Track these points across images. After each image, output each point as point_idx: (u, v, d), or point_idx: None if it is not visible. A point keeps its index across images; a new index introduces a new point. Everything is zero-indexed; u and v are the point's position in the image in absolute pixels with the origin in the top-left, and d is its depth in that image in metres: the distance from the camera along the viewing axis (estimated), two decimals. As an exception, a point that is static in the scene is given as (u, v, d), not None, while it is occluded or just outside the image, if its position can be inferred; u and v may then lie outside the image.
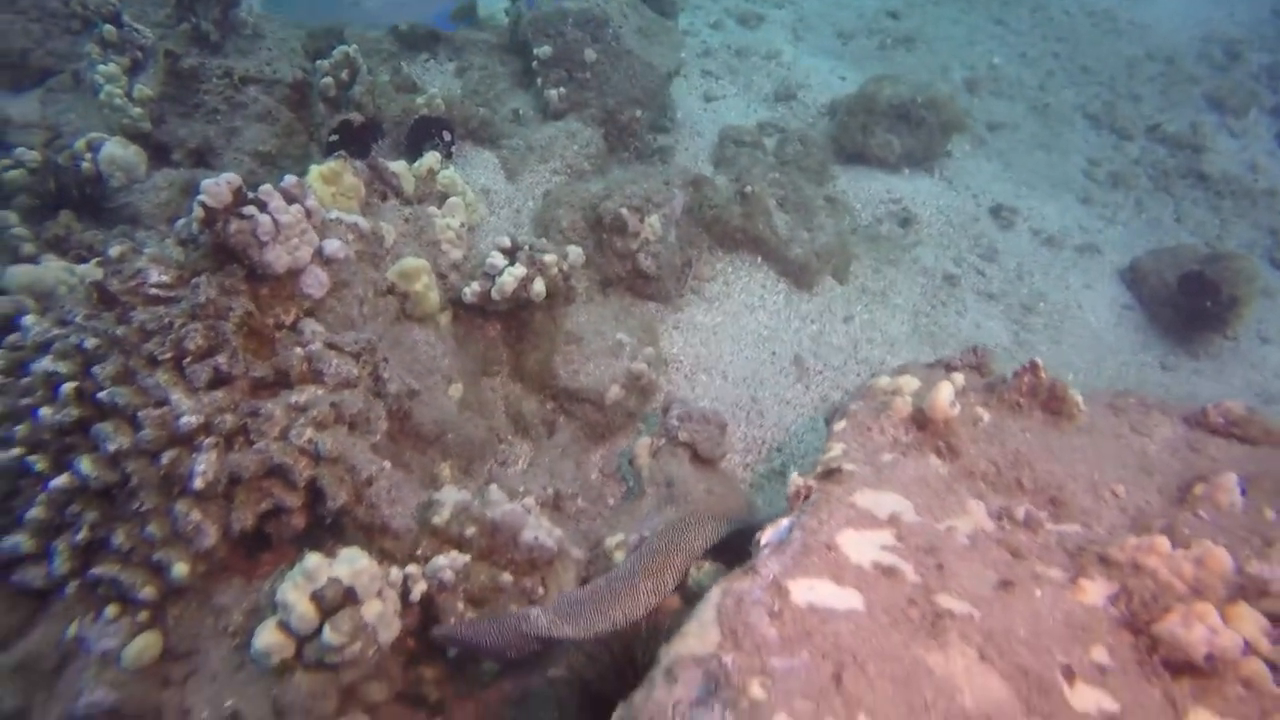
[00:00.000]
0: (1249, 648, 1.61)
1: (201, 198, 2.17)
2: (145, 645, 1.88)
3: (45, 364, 1.91)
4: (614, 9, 4.46)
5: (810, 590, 1.59)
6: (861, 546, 1.79)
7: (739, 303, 4.07)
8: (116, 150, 3.45)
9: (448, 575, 2.15)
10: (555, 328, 3.09)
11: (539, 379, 3.09)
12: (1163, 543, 1.88)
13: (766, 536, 1.91)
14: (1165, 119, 6.30)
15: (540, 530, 2.54)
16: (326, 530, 2.18)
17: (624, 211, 3.45)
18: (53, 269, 2.68)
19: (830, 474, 2.12)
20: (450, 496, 2.49)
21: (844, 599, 1.60)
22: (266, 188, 2.29)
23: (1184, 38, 7.37)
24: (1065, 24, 7.32)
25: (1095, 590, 1.87)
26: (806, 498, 2.04)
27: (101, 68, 3.55)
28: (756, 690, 1.34)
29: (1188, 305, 4.68)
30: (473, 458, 2.87)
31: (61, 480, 1.82)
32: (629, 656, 1.97)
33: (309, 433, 2.02)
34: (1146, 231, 5.55)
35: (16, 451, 1.87)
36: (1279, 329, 5.14)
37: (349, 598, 1.84)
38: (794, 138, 4.98)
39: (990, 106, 6.33)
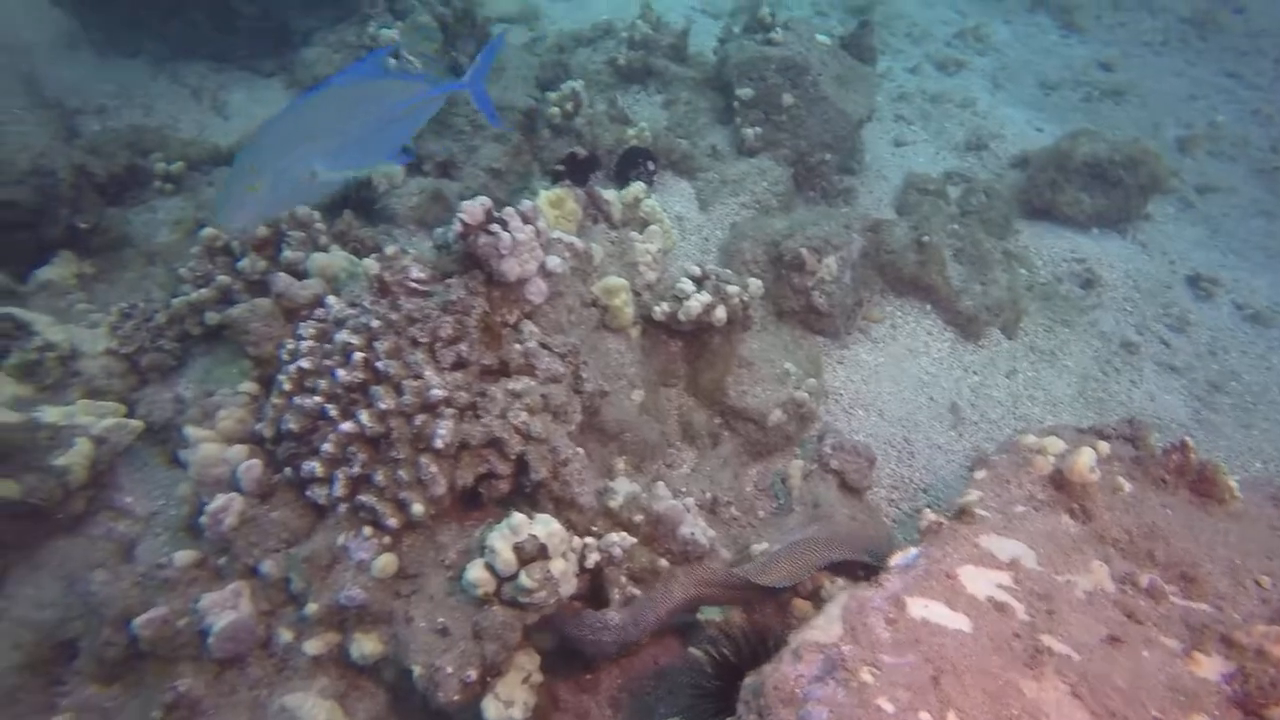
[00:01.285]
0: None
1: (461, 215, 2.73)
2: (387, 562, 2.42)
3: (344, 336, 2.51)
4: (815, 57, 4.77)
5: (925, 608, 1.86)
6: (979, 581, 2.03)
7: (903, 346, 4.26)
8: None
9: (617, 551, 2.56)
10: (731, 351, 3.46)
11: (710, 395, 3.47)
12: (1298, 634, 1.97)
13: (895, 560, 2.18)
14: None
15: (696, 528, 2.91)
16: (524, 497, 2.67)
17: (804, 251, 3.76)
18: (339, 258, 3.36)
19: (961, 515, 2.35)
20: (623, 486, 2.93)
21: (954, 621, 1.85)
22: (509, 209, 2.82)
23: None
24: (1310, 83, 6.79)
25: (1210, 665, 2.00)
26: (935, 533, 2.28)
27: (383, 94, 4.32)
28: (866, 676, 1.64)
29: (1407, 404, 4.32)
30: (644, 457, 3.29)
31: (348, 426, 2.41)
32: (761, 639, 2.30)
33: (523, 415, 2.51)
34: (1373, 318, 5.11)
35: (318, 399, 2.48)
36: None
37: (541, 553, 2.30)
38: (979, 189, 5.06)
39: (1204, 168, 6.03)
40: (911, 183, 5.03)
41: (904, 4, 7.03)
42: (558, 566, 2.32)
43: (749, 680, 1.83)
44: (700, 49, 5.65)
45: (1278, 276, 5.40)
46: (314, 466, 2.47)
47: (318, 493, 2.50)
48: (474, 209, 2.73)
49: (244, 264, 3.24)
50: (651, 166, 4.33)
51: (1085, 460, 2.45)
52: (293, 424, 2.52)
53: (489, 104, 2.47)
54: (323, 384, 2.51)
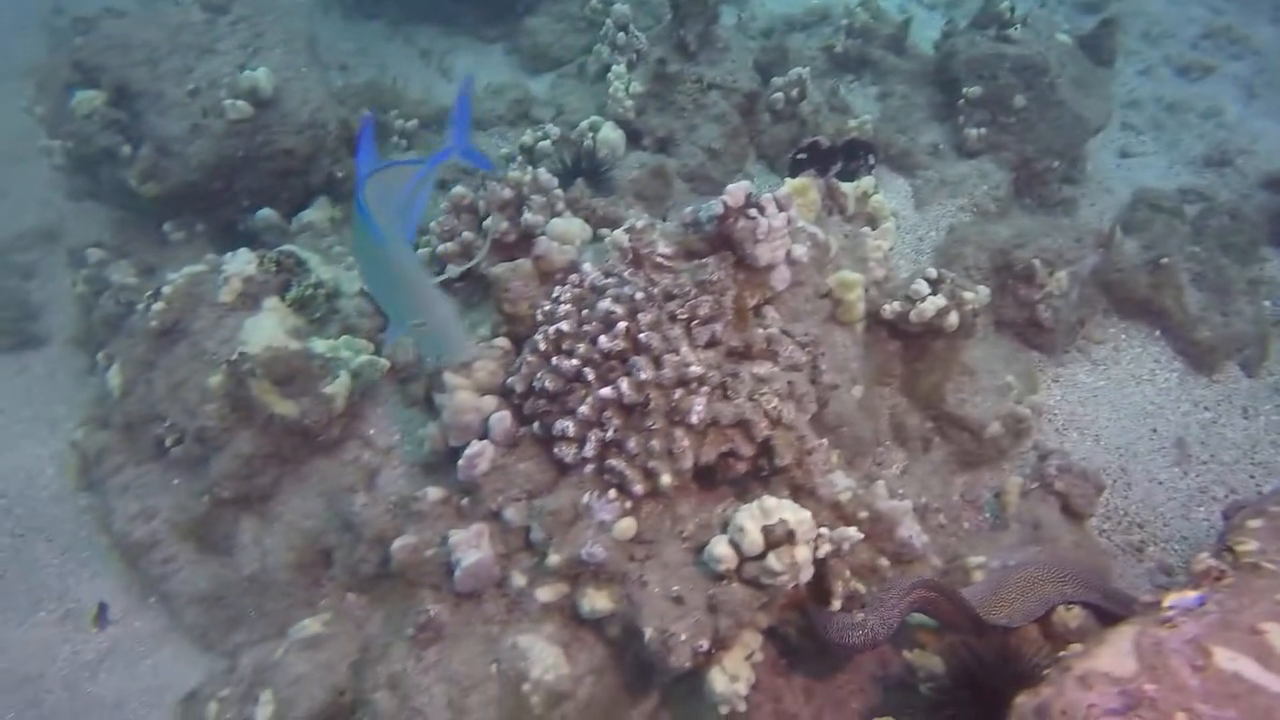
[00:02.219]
0: None
1: (725, 198, 2.76)
2: (627, 526, 2.51)
3: (607, 304, 2.60)
4: (1054, 57, 4.51)
5: (1233, 660, 1.75)
6: (1284, 641, 1.89)
7: (1126, 371, 4.01)
8: (610, 133, 4.29)
9: (846, 546, 2.56)
10: (953, 357, 3.36)
11: (927, 399, 3.39)
12: None
13: (1172, 600, 2.06)
14: None
15: (913, 531, 2.87)
16: (758, 480, 2.70)
17: (1036, 263, 3.59)
18: (575, 224, 3.47)
19: (1245, 565, 2.19)
20: (841, 480, 2.91)
21: (1270, 681, 1.73)
22: (767, 196, 2.84)
23: None
24: None
25: None
26: (1218, 579, 2.14)
27: (615, 67, 4.42)
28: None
29: None
30: (857, 453, 3.26)
31: (607, 391, 2.50)
32: (1005, 657, 2.25)
33: (774, 401, 2.53)
34: None
35: (576, 362, 2.59)
36: None
37: (789, 538, 2.32)
38: (1222, 210, 4.66)
39: None
40: (1142, 197, 4.69)
41: (1148, 1, 6.51)
42: (802, 554, 2.33)
43: (1025, 700, 1.79)
44: (917, 41, 5.46)
45: None
46: (568, 425, 2.58)
47: (565, 450, 2.61)
48: (737, 192, 2.76)
49: (489, 222, 3.40)
50: (872, 160, 4.23)
51: (1392, 524, 2.23)
52: (548, 383, 2.63)
53: (481, 158, 2.38)
54: (581, 348, 2.61)
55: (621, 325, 2.56)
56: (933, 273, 3.24)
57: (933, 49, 5.24)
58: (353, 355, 3.19)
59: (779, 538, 2.33)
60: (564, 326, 2.67)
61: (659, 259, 2.90)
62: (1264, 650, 1.82)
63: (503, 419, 2.73)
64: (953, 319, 3.20)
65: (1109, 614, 2.60)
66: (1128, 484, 3.65)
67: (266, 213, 3.95)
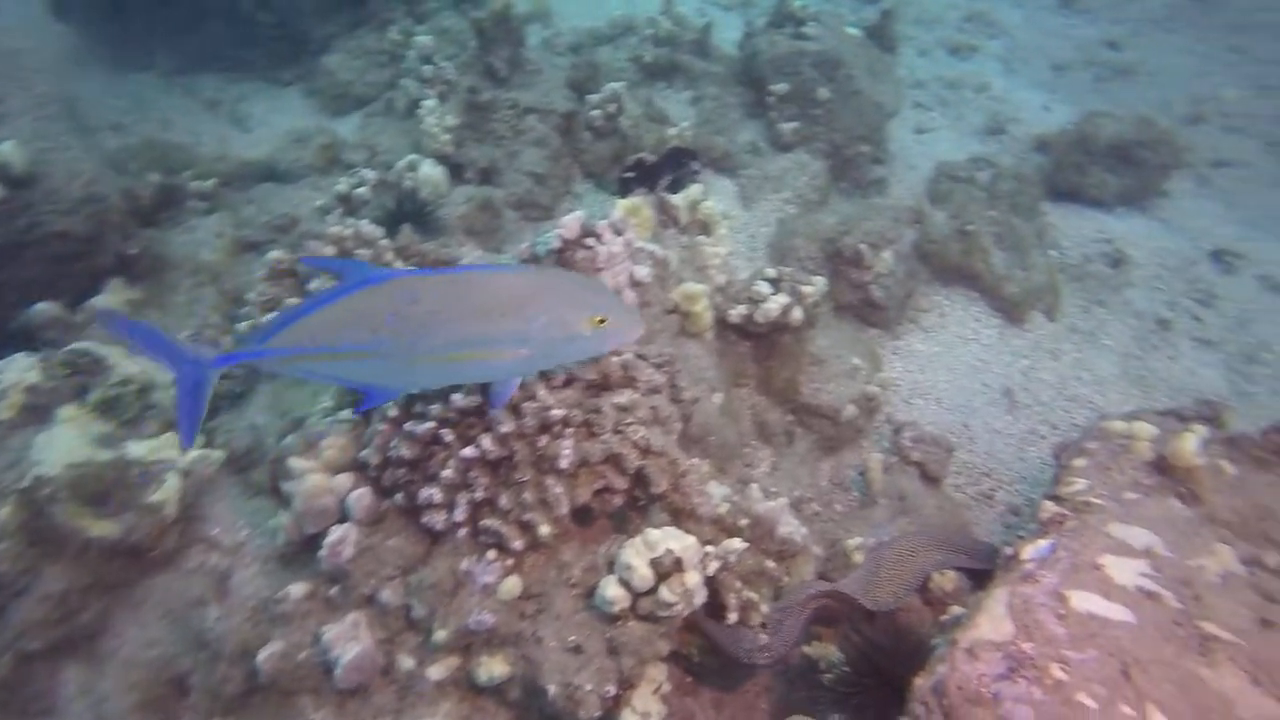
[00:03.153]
0: None
1: (560, 231, 2.72)
2: (512, 585, 2.42)
3: (456, 360, 2.48)
4: (848, 51, 4.79)
5: (1086, 600, 1.91)
6: (1124, 571, 2.08)
7: (953, 334, 4.32)
8: (431, 171, 4.14)
9: (734, 558, 2.58)
10: (802, 350, 3.48)
11: (784, 394, 3.50)
12: None
13: (1028, 553, 2.22)
14: None
15: (792, 526, 2.95)
16: (636, 510, 2.67)
17: (863, 247, 3.79)
18: (407, 275, 3.32)
19: (1080, 505, 2.40)
20: (717, 491, 2.95)
21: (1115, 612, 1.90)
22: (602, 223, 2.82)
23: None
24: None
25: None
26: (1061, 524, 2.33)
27: (426, 102, 4.26)
28: (1058, 673, 1.68)
29: None
30: (726, 458, 3.31)
31: (469, 451, 2.39)
32: (897, 635, 2.35)
33: (641, 431, 2.51)
34: (1391, 284, 5.27)
35: (431, 424, 2.46)
36: None
37: (677, 566, 2.31)
38: (1008, 174, 5.12)
39: (1216, 143, 6.15)
40: (942, 171, 5.08)
41: (912, -12, 7.08)
42: (693, 579, 2.33)
43: (923, 681, 1.86)
44: (720, 42, 5.63)
45: (1293, 247, 5.54)
46: (433, 492, 2.45)
47: (435, 518, 2.48)
48: (571, 224, 2.72)
49: (315, 285, 3.19)
50: (696, 167, 4.32)
51: (1190, 445, 2.51)
52: (405, 450, 2.49)
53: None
54: (435, 409, 2.48)
55: (472, 379, 2.46)
56: (771, 272, 3.34)
57: (736, 50, 5.42)
58: (179, 454, 2.89)
59: (668, 568, 2.31)
60: (412, 389, 2.53)
61: (503, 300, 2.81)
62: (1106, 584, 1.99)
63: (362, 496, 2.56)
64: (797, 314, 3.31)
65: (978, 571, 2.78)
66: (971, 439, 3.93)
67: (44, 306, 3.48)
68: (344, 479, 2.61)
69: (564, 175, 4.50)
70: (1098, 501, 2.42)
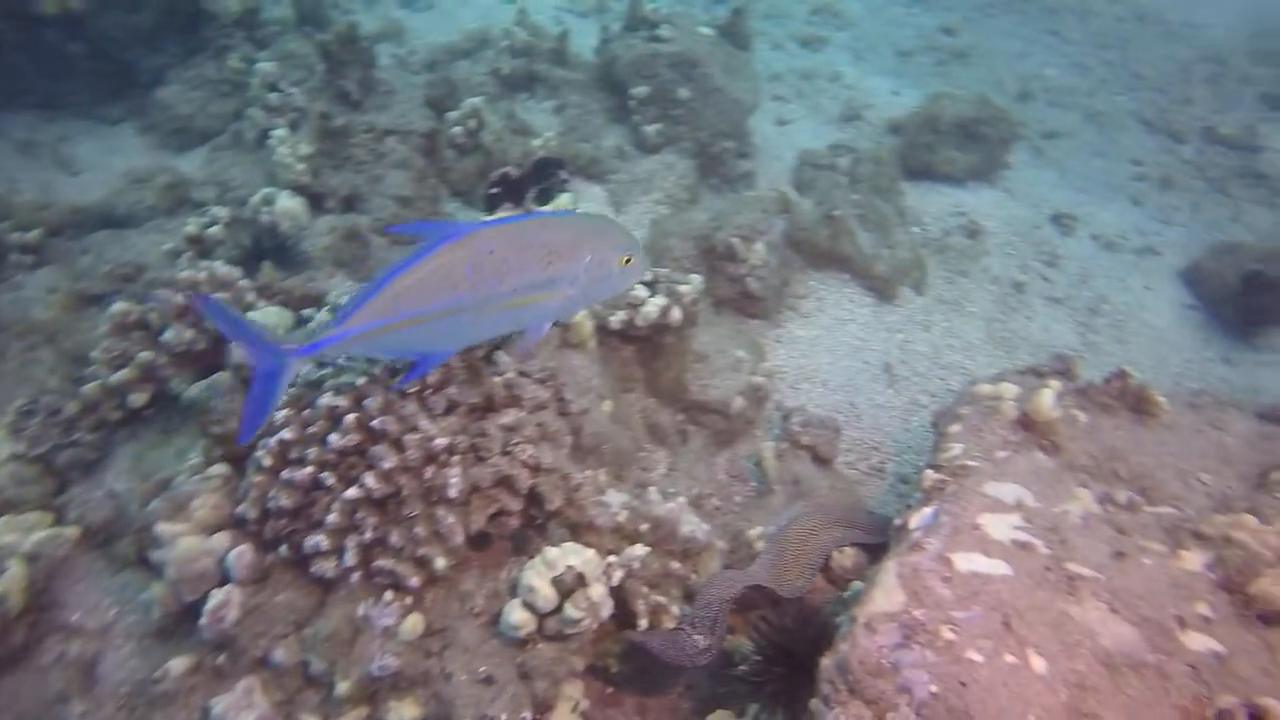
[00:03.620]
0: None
1: (426, 257, 2.64)
2: (414, 624, 2.34)
3: (328, 398, 2.38)
4: (703, 50, 4.89)
5: (969, 561, 2.01)
6: (998, 526, 2.21)
7: (831, 317, 4.48)
8: (288, 203, 3.95)
9: (637, 565, 2.58)
10: (685, 348, 3.53)
11: (672, 394, 3.53)
12: (1250, 520, 2.26)
13: (915, 521, 2.32)
14: (1219, 120, 6.57)
15: (693, 524, 2.98)
16: (534, 529, 2.64)
17: (735, 241, 3.87)
18: (272, 314, 3.17)
19: (957, 470, 2.53)
20: (615, 498, 2.95)
21: (995, 567, 2.01)
22: (468, 244, 2.76)
23: (1239, 36, 7.59)
24: (1117, 30, 7.60)
25: (1193, 559, 2.26)
26: (941, 489, 2.45)
27: (276, 132, 4.06)
28: (948, 634, 1.76)
29: (1249, 303, 4.98)
30: (622, 464, 3.31)
31: (353, 492, 2.29)
32: (804, 618, 2.41)
33: (529, 449, 2.48)
34: (1204, 232, 5.83)
35: (310, 469, 2.35)
36: (1337, 321, 5.39)
37: (580, 581, 2.29)
38: (866, 158, 5.36)
39: (1045, 116, 6.65)
40: (805, 159, 5.26)
41: (759, -16, 7.32)
42: (597, 592, 2.32)
43: (828, 661, 1.91)
44: (579, 49, 5.65)
45: (1120, 208, 6.05)
46: (319, 540, 2.33)
47: (324, 567, 2.37)
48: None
49: (169, 335, 2.99)
50: (564, 175, 4.31)
51: (1048, 400, 2.69)
52: (285, 499, 2.37)
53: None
54: (312, 453, 2.37)
55: (350, 417, 2.36)
56: (647, 275, 3.36)
57: (595, 56, 5.45)
58: (22, 536, 2.65)
59: (571, 585, 2.29)
60: (286, 435, 2.41)
61: (374, 332, 2.72)
62: (985, 542, 2.11)
63: (243, 554, 2.41)
64: (676, 314, 3.35)
65: (874, 544, 2.88)
66: (858, 416, 4.08)
67: None
68: (221, 538, 2.46)
69: (431, 196, 4.40)
70: (973, 464, 2.56)
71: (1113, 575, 2.05)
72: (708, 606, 2.45)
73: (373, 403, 2.37)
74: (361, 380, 2.42)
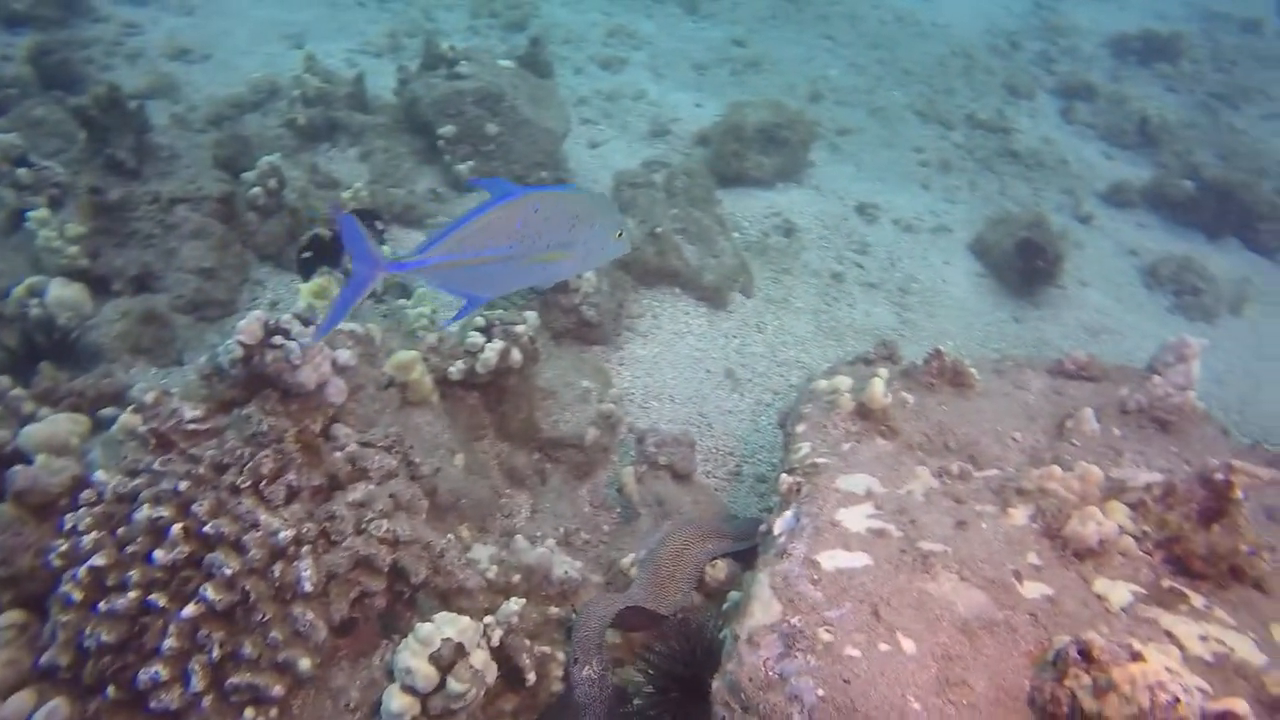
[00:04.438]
0: (1121, 530, 2.25)
1: (240, 338, 2.45)
2: (283, 736, 2.15)
3: (146, 511, 2.15)
4: (506, 82, 4.87)
5: (833, 559, 2.10)
6: (855, 519, 2.33)
7: (669, 332, 4.58)
8: (63, 291, 3.55)
9: (515, 620, 2.51)
10: (530, 388, 3.48)
11: (524, 435, 3.47)
12: (1056, 470, 2.52)
13: (778, 527, 2.40)
14: (976, 108, 7.35)
15: (566, 566, 2.95)
16: (403, 605, 2.50)
17: (565, 272, 3.87)
18: (60, 421, 2.81)
19: (809, 469, 2.65)
20: (483, 553, 2.87)
21: (857, 559, 2.12)
22: (286, 317, 2.58)
23: (975, 32, 8.54)
24: (881, 32, 8.33)
25: (1019, 514, 2.48)
26: (798, 491, 2.55)
27: (32, 214, 3.62)
28: (825, 636, 1.83)
29: (1024, 266, 5.59)
30: (484, 515, 3.22)
31: (190, 609, 2.08)
32: (688, 638, 2.43)
33: (385, 524, 2.35)
34: (982, 207, 6.50)
35: (134, 594, 2.10)
36: (1091, 273, 6.18)
37: (459, 652, 2.20)
38: (679, 172, 5.54)
39: (835, 115, 7.16)
40: (622, 180, 5.35)
41: (554, 12, 7.37)
42: (479, 659, 2.23)
43: (719, 683, 1.94)
44: (377, 91, 5.46)
45: (912, 193, 6.63)
46: (156, 670, 2.09)
47: (167, 698, 2.12)
48: (251, 327, 2.46)
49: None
50: (380, 225, 4.15)
51: (879, 389, 2.87)
52: (106, 634, 2.10)
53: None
54: (134, 575, 2.12)
55: (176, 528, 2.14)
56: (481, 320, 3.29)
57: (395, 97, 5.28)
58: None
59: (450, 658, 2.18)
60: (98, 561, 2.14)
61: (189, 428, 2.49)
62: (845, 536, 2.22)
63: (54, 712, 2.11)
64: (515, 356, 3.30)
65: (745, 550, 2.96)
66: (709, 425, 4.20)
67: None
68: (22, 699, 2.14)
69: (237, 264, 4.09)
70: (822, 460, 2.69)
71: (958, 545, 2.22)
72: (586, 634, 2.43)
73: (200, 507, 2.16)
74: (185, 484, 2.20)
